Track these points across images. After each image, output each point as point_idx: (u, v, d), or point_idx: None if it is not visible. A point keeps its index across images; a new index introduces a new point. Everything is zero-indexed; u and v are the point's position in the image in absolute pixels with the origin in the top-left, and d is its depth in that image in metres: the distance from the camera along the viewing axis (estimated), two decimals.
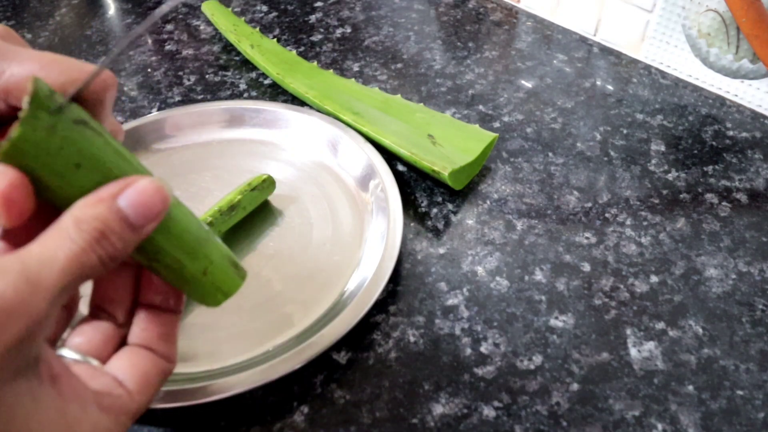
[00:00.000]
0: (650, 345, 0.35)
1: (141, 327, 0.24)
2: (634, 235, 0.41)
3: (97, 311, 0.24)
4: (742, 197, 0.43)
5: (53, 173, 0.20)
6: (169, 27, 0.62)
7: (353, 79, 0.52)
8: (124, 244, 0.20)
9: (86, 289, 0.24)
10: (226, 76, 0.55)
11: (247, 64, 0.56)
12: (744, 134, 0.48)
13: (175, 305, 0.25)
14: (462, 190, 0.44)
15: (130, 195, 0.20)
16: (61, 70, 0.21)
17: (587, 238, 0.41)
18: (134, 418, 0.23)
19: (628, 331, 0.36)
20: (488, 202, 0.43)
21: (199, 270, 0.24)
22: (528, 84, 0.53)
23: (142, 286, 0.24)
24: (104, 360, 0.23)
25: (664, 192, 0.44)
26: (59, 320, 0.24)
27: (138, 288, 0.25)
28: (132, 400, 0.22)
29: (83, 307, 0.25)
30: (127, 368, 0.23)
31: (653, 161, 0.46)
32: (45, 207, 0.21)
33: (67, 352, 0.23)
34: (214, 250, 0.24)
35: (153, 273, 0.24)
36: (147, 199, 0.20)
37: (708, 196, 0.43)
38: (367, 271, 0.37)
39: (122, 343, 0.24)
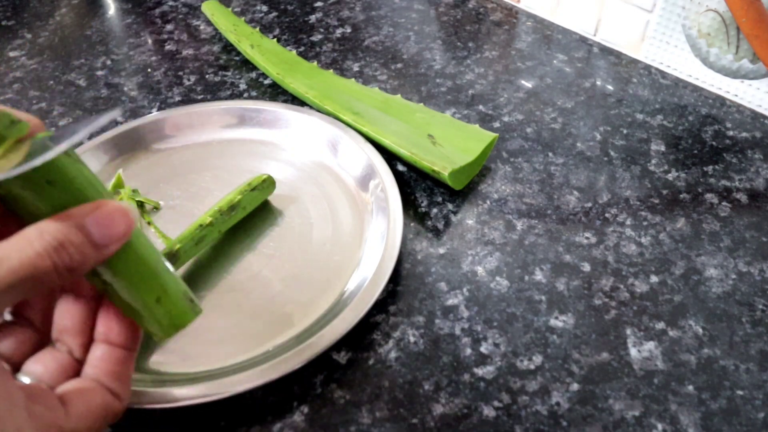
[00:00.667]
0: (650, 345, 0.35)
1: (94, 362, 0.24)
2: (634, 235, 0.41)
3: (56, 342, 0.25)
4: (742, 197, 0.43)
5: (24, 186, 0.21)
6: (169, 27, 0.62)
7: (353, 79, 0.52)
8: (82, 258, 0.21)
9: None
10: (226, 76, 0.55)
11: (247, 64, 0.56)
12: (744, 134, 0.48)
13: (131, 343, 0.25)
14: (462, 190, 0.44)
15: (97, 215, 0.21)
16: None
17: (587, 238, 0.41)
18: None
19: (628, 331, 0.36)
20: (488, 202, 0.43)
21: (152, 298, 0.24)
22: (528, 84, 0.53)
23: (99, 320, 0.25)
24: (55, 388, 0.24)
25: (664, 192, 0.44)
26: (24, 341, 0.24)
27: (95, 323, 0.25)
28: (67, 419, 0.22)
29: None
30: (72, 393, 0.23)
31: (653, 161, 0.46)
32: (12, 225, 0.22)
33: (21, 377, 0.23)
34: (170, 282, 0.25)
35: (108, 299, 0.24)
36: (112, 220, 0.21)
37: (708, 196, 0.43)
38: (367, 271, 0.37)
39: (77, 376, 0.25)
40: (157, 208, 0.43)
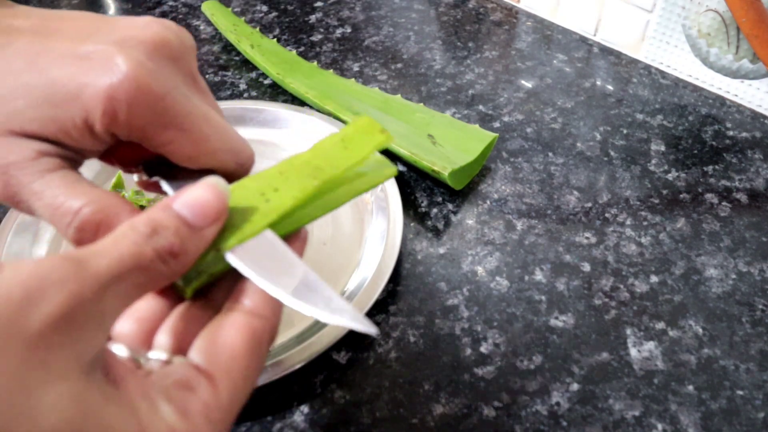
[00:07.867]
0: (650, 345, 0.35)
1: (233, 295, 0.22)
2: (634, 235, 0.41)
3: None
4: (742, 197, 0.43)
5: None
6: None
7: (353, 79, 0.52)
8: (181, 240, 0.20)
9: None
10: (226, 76, 0.55)
11: (247, 64, 0.56)
12: (744, 134, 0.48)
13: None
14: (462, 190, 0.44)
15: (183, 197, 0.20)
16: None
17: (587, 238, 0.41)
18: (232, 412, 0.19)
19: (628, 331, 0.36)
20: (488, 202, 0.43)
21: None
22: (528, 84, 0.53)
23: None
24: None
25: (664, 192, 0.44)
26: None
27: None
28: (215, 391, 0.19)
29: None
30: (205, 346, 0.20)
31: (653, 161, 0.46)
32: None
33: (152, 354, 0.21)
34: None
35: None
36: (200, 197, 0.20)
37: (708, 196, 0.43)
38: (367, 271, 0.37)
39: None
40: None
